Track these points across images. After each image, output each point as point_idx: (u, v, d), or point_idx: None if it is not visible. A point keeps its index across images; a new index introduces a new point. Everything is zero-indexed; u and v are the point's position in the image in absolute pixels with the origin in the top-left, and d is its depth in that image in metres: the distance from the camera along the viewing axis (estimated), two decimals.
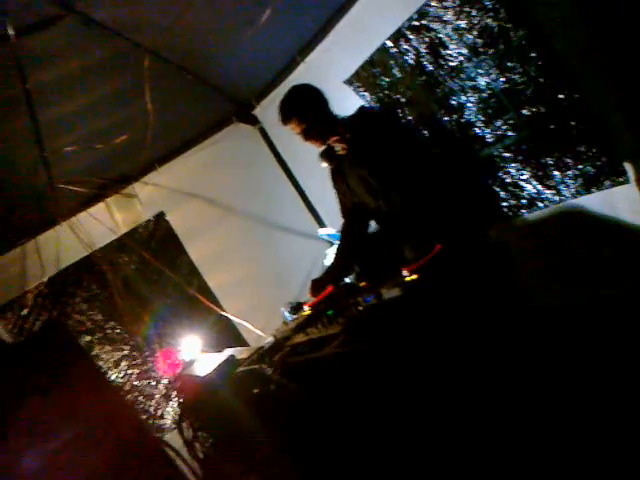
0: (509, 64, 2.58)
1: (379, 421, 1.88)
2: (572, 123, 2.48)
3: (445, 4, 2.67)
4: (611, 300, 2.37)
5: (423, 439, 1.82)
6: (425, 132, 3.18)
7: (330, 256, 3.83)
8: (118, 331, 3.93)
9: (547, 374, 1.91)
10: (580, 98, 2.39)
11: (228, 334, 4.12)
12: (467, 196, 3.05)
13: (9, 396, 2.20)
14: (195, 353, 3.31)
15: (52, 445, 2.19)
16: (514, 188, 2.89)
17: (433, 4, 2.72)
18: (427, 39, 2.85)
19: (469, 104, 2.86)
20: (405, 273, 2.03)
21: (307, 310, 2.60)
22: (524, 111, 2.64)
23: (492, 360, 1.82)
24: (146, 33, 3.15)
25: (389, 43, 3.04)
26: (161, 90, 3.45)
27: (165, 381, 3.94)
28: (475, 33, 2.63)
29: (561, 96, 2.46)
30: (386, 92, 3.24)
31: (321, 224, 4.49)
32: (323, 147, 2.75)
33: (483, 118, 2.83)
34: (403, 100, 3.18)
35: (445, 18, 2.71)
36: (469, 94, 2.83)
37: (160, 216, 4.16)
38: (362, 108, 2.86)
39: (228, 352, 2.76)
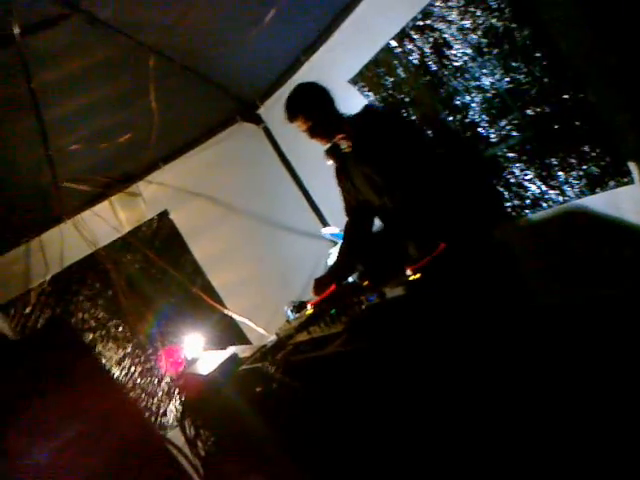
0: (513, 64, 2.57)
1: (381, 420, 1.88)
2: (576, 123, 2.48)
3: (449, 4, 2.66)
4: (611, 300, 2.37)
5: (426, 438, 1.82)
6: (429, 132, 3.18)
7: (333, 255, 3.84)
8: (121, 329, 3.94)
9: (548, 373, 1.91)
10: (584, 98, 2.39)
11: (231, 332, 4.13)
12: (471, 196, 3.05)
13: (13, 394, 2.21)
14: (198, 351, 3.32)
15: (56, 441, 2.20)
16: (518, 188, 2.88)
17: (437, 4, 2.71)
18: (431, 39, 2.85)
19: (473, 104, 2.85)
20: (408, 272, 2.03)
21: (310, 309, 2.60)
22: (528, 111, 2.63)
23: (495, 359, 1.81)
24: (151, 32, 3.16)
25: (393, 43, 3.04)
26: (165, 89, 3.46)
27: (168, 379, 3.95)
28: (479, 33, 2.62)
29: (565, 96, 2.45)
30: (390, 92, 3.24)
31: (324, 223, 4.50)
32: (328, 145, 2.75)
33: (487, 118, 2.83)
34: (407, 100, 3.18)
35: (449, 18, 2.71)
36: (473, 94, 2.82)
37: (164, 215, 4.17)
38: (367, 106, 2.86)
39: (231, 350, 2.77)
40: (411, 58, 3.01)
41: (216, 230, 4.29)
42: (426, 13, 2.79)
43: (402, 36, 2.97)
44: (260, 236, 4.43)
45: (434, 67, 2.92)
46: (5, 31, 2.55)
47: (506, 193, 2.94)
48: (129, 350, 3.93)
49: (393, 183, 2.61)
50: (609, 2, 2.18)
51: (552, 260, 2.78)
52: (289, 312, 2.84)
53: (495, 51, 2.61)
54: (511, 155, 2.82)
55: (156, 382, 3.97)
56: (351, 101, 3.22)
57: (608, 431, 1.84)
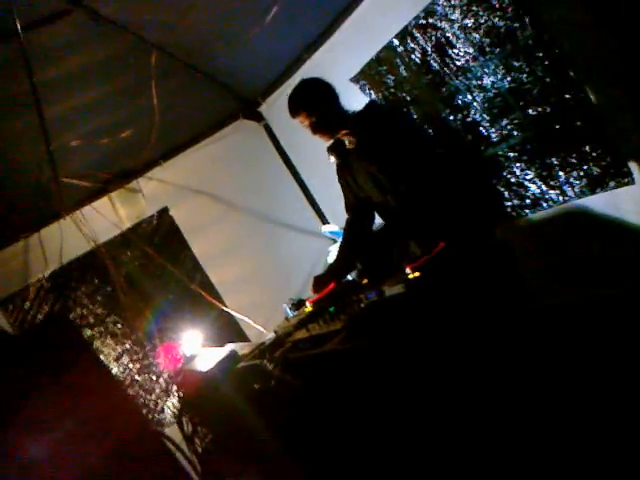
0: (515, 64, 2.57)
1: (380, 418, 1.88)
2: (578, 123, 2.48)
3: (452, 3, 2.66)
4: (611, 300, 2.37)
5: (424, 437, 1.82)
6: (430, 131, 3.18)
7: (333, 253, 3.83)
8: (120, 325, 3.94)
9: (548, 373, 1.91)
10: (586, 98, 2.38)
11: (230, 330, 4.13)
12: (471, 195, 3.05)
13: (11, 391, 2.21)
14: (196, 348, 3.32)
15: (54, 437, 2.20)
16: (518, 188, 2.88)
17: (440, 2, 2.71)
18: (434, 38, 2.85)
19: (475, 103, 2.85)
20: (407, 270, 2.02)
21: (309, 307, 2.60)
22: (530, 111, 2.63)
23: (494, 358, 1.81)
24: (153, 29, 3.16)
25: (396, 41, 3.04)
26: (167, 86, 3.47)
27: (166, 376, 3.95)
28: (482, 32, 2.62)
29: (567, 96, 2.45)
30: (392, 90, 3.24)
31: (324, 221, 4.50)
32: (331, 141, 2.74)
33: (488, 117, 2.83)
34: (409, 98, 3.18)
35: (452, 17, 2.70)
36: (475, 93, 2.82)
37: (164, 211, 4.17)
38: (371, 103, 2.84)
39: (229, 347, 2.76)
40: (413, 57, 3.01)
41: (216, 227, 4.29)
42: (429, 11, 2.79)
43: (404, 34, 2.97)
44: (260, 233, 4.43)
45: (436, 66, 2.92)
46: (7, 27, 2.55)
47: (506, 193, 2.94)
48: (127, 346, 3.93)
49: (396, 181, 2.59)
50: (612, 1, 2.18)
51: (552, 260, 2.78)
52: (288, 310, 2.83)
53: (497, 50, 2.61)
54: (512, 155, 2.82)
55: (154, 379, 3.97)
56: (353, 99, 3.22)
57: (608, 431, 1.84)
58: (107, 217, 3.93)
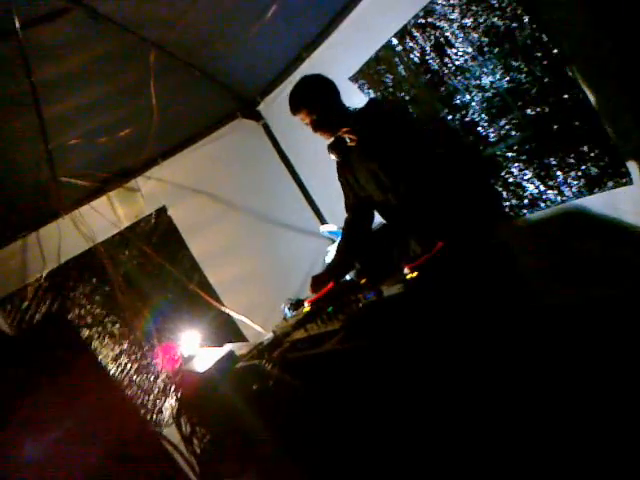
0: (514, 63, 2.57)
1: (378, 418, 1.88)
2: (576, 123, 2.48)
3: (451, 2, 2.66)
4: (611, 300, 2.37)
5: (423, 437, 1.81)
6: (429, 130, 3.17)
7: (331, 253, 3.83)
8: (118, 325, 3.93)
9: (547, 373, 1.91)
10: (584, 98, 2.38)
11: (228, 330, 4.12)
12: (470, 195, 3.04)
13: (9, 390, 2.21)
14: (195, 348, 3.31)
15: (52, 437, 2.20)
16: (516, 188, 2.88)
17: (439, 2, 2.71)
18: (432, 37, 2.85)
19: (473, 103, 2.85)
20: (406, 270, 2.02)
21: (307, 306, 2.60)
22: (528, 111, 2.63)
23: (493, 357, 1.81)
24: (152, 27, 3.15)
25: (394, 40, 3.04)
26: (165, 85, 3.46)
27: (164, 376, 3.94)
28: (480, 32, 2.62)
29: (565, 96, 2.45)
30: (391, 90, 3.23)
31: (323, 221, 4.50)
32: (332, 139, 2.73)
33: (487, 117, 2.83)
34: (407, 98, 3.18)
35: (451, 16, 2.70)
36: (473, 93, 2.82)
37: (162, 211, 4.16)
38: (372, 100, 2.83)
39: (228, 348, 2.76)
40: (412, 56, 3.00)
41: (214, 227, 4.29)
42: (428, 11, 2.79)
43: (403, 33, 2.97)
44: (258, 233, 4.42)
45: (435, 65, 2.92)
46: (5, 25, 2.55)
47: (504, 192, 2.94)
48: (125, 347, 3.92)
49: (397, 179, 2.58)
50: (612, 1, 2.18)
51: (550, 260, 2.78)
52: (286, 310, 2.83)
53: (496, 50, 2.61)
54: (510, 154, 2.82)
55: (152, 379, 3.96)
56: (352, 99, 3.21)
57: (608, 431, 1.84)
58: (105, 216, 3.92)
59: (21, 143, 3.30)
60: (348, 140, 2.64)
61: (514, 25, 2.48)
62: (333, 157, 2.78)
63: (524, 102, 2.62)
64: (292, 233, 4.49)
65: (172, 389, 3.92)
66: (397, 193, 2.60)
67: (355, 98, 3.27)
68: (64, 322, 3.46)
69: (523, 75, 2.57)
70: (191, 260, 4.18)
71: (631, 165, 2.37)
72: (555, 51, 2.40)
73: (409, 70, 3.07)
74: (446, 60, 2.85)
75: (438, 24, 2.79)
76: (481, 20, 2.59)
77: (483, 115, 2.84)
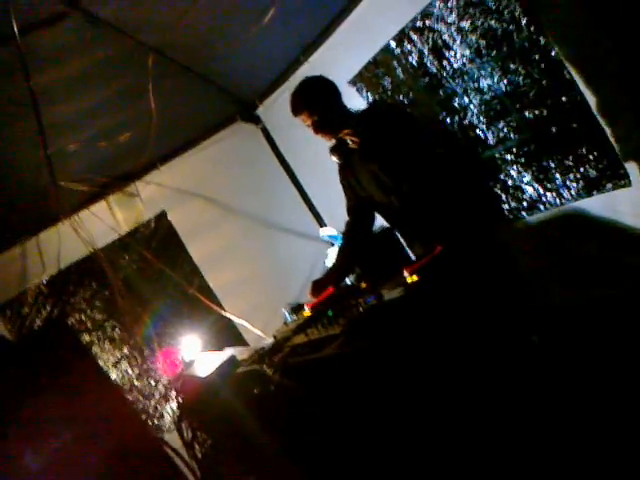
0: (512, 66, 2.57)
1: (379, 422, 1.88)
2: (574, 126, 2.48)
3: (449, 5, 2.66)
4: (611, 300, 2.37)
5: (424, 440, 1.81)
6: (429, 131, 3.17)
7: (331, 257, 3.83)
8: (118, 330, 3.93)
9: (548, 374, 1.91)
10: (582, 100, 2.38)
11: (228, 334, 4.12)
12: (469, 197, 3.04)
13: (10, 395, 2.20)
14: (195, 353, 3.31)
15: (53, 444, 2.20)
16: (515, 190, 2.88)
17: (437, 5, 2.72)
18: (430, 40, 2.85)
19: (471, 106, 2.85)
20: (406, 274, 2.02)
21: (307, 311, 2.60)
22: (526, 113, 2.63)
23: (493, 360, 1.81)
24: (150, 31, 3.16)
25: (393, 44, 3.04)
26: (164, 89, 3.46)
27: (165, 381, 3.94)
28: (478, 34, 2.62)
29: (564, 98, 2.46)
30: (389, 93, 3.24)
31: (322, 224, 4.49)
32: (333, 141, 2.71)
33: (485, 120, 2.83)
34: (406, 101, 3.18)
35: (449, 19, 2.71)
36: (472, 96, 2.83)
37: (161, 215, 4.16)
38: (375, 102, 2.82)
39: (228, 352, 2.76)
40: (410, 59, 3.01)
41: (214, 231, 4.29)
42: (425, 14, 2.80)
43: (401, 37, 2.97)
44: (258, 237, 4.42)
45: (433, 68, 2.92)
46: (4, 29, 2.55)
47: (503, 195, 2.95)
48: (126, 352, 3.92)
49: (400, 181, 2.57)
50: (610, 2, 2.18)
51: (550, 262, 2.78)
52: (287, 314, 2.83)
53: (494, 53, 2.61)
54: (509, 157, 2.82)
55: (153, 384, 3.96)
56: (350, 102, 3.21)
57: (608, 431, 1.84)
58: (105, 221, 3.92)
59: (20, 148, 3.30)
60: (350, 142, 2.64)
61: (512, 28, 2.48)
62: (335, 159, 2.76)
63: (522, 104, 2.63)
64: (292, 237, 4.49)
65: (173, 394, 3.92)
66: (399, 194, 2.59)
67: (354, 101, 3.27)
68: (64, 327, 3.45)
69: (521, 77, 2.57)
70: (191, 264, 4.18)
71: (630, 167, 2.37)
72: (552, 53, 2.40)
73: (407, 73, 3.08)
74: (444, 63, 2.86)
75: (436, 27, 2.79)
76: (479, 23, 2.60)
77: (481, 118, 2.84)
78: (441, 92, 2.96)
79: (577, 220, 2.66)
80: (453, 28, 2.72)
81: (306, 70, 3.64)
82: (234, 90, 4.14)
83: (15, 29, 2.57)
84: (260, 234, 4.43)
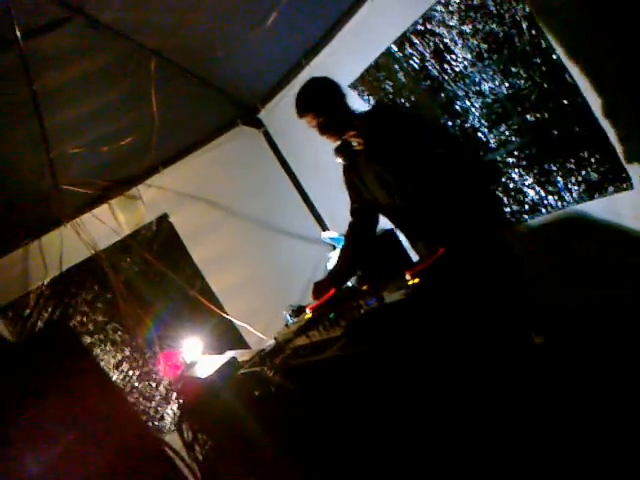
0: (513, 69, 2.58)
1: (380, 424, 1.88)
2: (576, 129, 2.48)
3: (450, 9, 2.67)
4: (611, 300, 2.37)
5: (425, 443, 1.81)
6: (432, 132, 3.17)
7: (333, 259, 3.83)
8: (120, 333, 3.93)
9: (549, 376, 1.91)
10: (584, 103, 2.38)
11: (230, 336, 4.12)
12: (471, 200, 3.04)
13: (12, 397, 2.20)
14: (196, 355, 3.31)
15: (55, 446, 2.19)
16: (517, 193, 2.88)
17: (438, 8, 2.72)
18: (432, 44, 2.86)
19: (473, 109, 2.86)
20: (407, 277, 2.02)
21: (309, 313, 2.60)
22: (528, 116, 2.63)
23: (494, 363, 1.81)
24: (152, 35, 3.17)
25: (394, 47, 3.05)
26: (166, 93, 3.47)
27: (166, 383, 3.94)
28: (479, 38, 2.63)
29: (565, 102, 2.46)
30: (390, 96, 3.25)
31: (324, 227, 4.50)
32: (338, 142, 2.70)
33: (487, 123, 2.84)
34: (407, 104, 3.19)
35: (450, 23, 2.71)
36: (473, 99, 2.83)
37: (163, 218, 4.17)
38: (379, 103, 2.81)
39: (229, 354, 2.76)
40: (412, 62, 3.01)
41: (216, 234, 4.29)
42: (427, 18, 2.80)
43: (403, 40, 2.98)
44: (259, 240, 4.43)
45: (434, 72, 2.93)
46: (7, 34, 2.56)
47: (505, 198, 2.95)
48: (127, 354, 3.93)
49: (405, 181, 2.57)
50: (610, 4, 2.18)
51: (552, 265, 2.78)
52: (288, 316, 2.83)
53: (495, 56, 2.62)
54: (510, 160, 2.83)
55: (154, 386, 3.96)
56: (352, 106, 3.22)
57: (608, 431, 1.83)
58: (107, 224, 3.93)
59: (23, 152, 3.31)
60: (355, 143, 2.64)
61: (513, 31, 2.49)
62: (339, 160, 2.76)
63: (524, 108, 2.63)
64: (293, 239, 4.50)
65: (174, 396, 3.92)
66: (404, 195, 2.59)
67: (355, 105, 3.27)
68: (66, 329, 3.45)
69: (522, 81, 2.57)
70: (193, 267, 4.19)
71: (632, 170, 2.37)
72: (554, 56, 2.40)
73: (409, 77, 3.08)
74: (446, 66, 2.86)
75: (437, 31, 2.80)
76: (480, 26, 2.60)
77: (483, 121, 2.85)
78: (442, 95, 2.97)
79: (579, 223, 2.66)
80: (454, 31, 2.72)
81: (308, 73, 3.64)
82: (236, 94, 4.15)
83: (18, 33, 2.58)
84: (262, 237, 4.43)
